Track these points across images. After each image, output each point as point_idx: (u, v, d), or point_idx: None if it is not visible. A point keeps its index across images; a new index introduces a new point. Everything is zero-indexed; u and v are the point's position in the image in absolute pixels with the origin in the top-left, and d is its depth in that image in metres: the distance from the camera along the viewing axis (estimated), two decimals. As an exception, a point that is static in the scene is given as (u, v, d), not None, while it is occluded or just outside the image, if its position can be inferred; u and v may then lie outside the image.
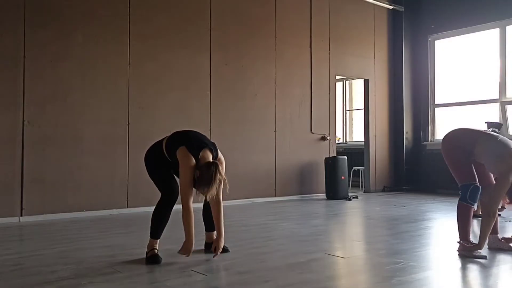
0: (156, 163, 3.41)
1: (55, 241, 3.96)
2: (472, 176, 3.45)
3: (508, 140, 3.47)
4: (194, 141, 3.29)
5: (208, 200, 3.26)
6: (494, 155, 3.34)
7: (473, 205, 3.46)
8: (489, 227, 3.36)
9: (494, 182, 3.56)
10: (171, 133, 3.46)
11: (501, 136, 3.52)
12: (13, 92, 5.03)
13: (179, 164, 3.23)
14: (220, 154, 3.38)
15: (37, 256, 3.43)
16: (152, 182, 3.46)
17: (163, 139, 3.43)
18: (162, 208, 3.35)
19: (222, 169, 3.26)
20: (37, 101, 5.16)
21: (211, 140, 3.58)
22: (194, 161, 3.19)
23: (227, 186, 3.24)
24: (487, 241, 3.67)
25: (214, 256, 3.35)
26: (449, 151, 3.57)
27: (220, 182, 3.17)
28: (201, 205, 3.58)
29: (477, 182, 3.45)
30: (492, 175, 3.60)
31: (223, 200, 3.39)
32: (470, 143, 3.47)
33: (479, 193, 3.45)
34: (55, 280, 2.81)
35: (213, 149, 3.33)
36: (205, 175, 3.11)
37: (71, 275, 2.91)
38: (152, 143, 3.51)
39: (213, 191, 3.15)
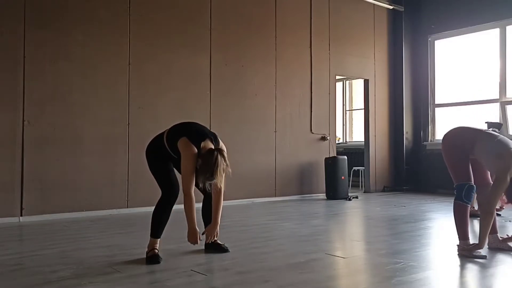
0: (157, 156, 3.41)
1: (55, 241, 3.96)
2: (468, 176, 3.46)
3: (508, 139, 3.47)
4: (195, 132, 3.31)
5: (209, 190, 3.28)
6: (493, 153, 3.35)
7: (469, 204, 3.46)
8: (488, 226, 3.36)
9: (491, 181, 3.57)
10: (172, 125, 3.46)
11: (501, 135, 3.52)
12: (13, 92, 5.03)
13: (180, 155, 3.23)
14: (221, 143, 3.37)
15: (37, 256, 3.43)
16: (152, 181, 3.46)
17: (164, 132, 3.44)
18: (162, 207, 3.35)
19: (225, 156, 3.22)
20: (37, 101, 5.16)
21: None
22: (195, 150, 3.19)
23: (230, 170, 3.22)
24: (487, 241, 3.67)
25: (207, 241, 3.50)
26: (448, 150, 3.58)
27: (223, 169, 3.14)
28: (200, 205, 3.59)
29: (472, 182, 3.45)
30: (489, 174, 3.61)
31: (225, 199, 3.41)
32: (469, 141, 3.48)
33: (474, 192, 3.46)
34: (55, 280, 2.81)
35: (214, 138, 3.33)
36: (208, 162, 3.10)
37: (71, 275, 2.91)
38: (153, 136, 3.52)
39: (217, 178, 3.13)
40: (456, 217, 3.51)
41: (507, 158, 3.28)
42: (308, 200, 7.14)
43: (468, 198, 3.44)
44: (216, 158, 3.10)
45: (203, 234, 3.45)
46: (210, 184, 3.23)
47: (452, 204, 3.52)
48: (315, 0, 7.60)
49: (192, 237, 3.26)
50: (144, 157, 3.49)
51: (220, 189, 3.34)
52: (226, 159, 3.19)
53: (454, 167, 3.52)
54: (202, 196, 3.59)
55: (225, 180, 3.29)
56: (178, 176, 3.39)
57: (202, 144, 3.22)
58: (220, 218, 3.55)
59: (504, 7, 7.47)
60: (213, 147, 3.24)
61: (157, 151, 3.42)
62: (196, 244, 3.31)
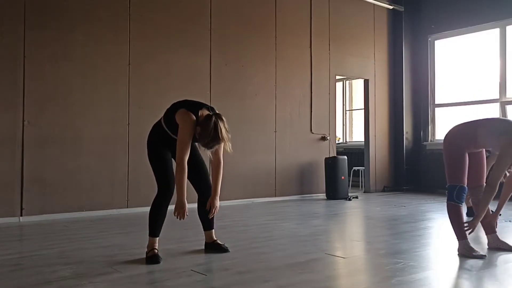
0: (157, 143, 3.39)
1: (55, 241, 3.96)
2: (460, 178, 3.45)
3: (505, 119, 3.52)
4: (191, 103, 3.32)
5: (210, 157, 3.27)
6: (498, 130, 3.37)
7: (461, 204, 3.47)
8: (489, 199, 3.36)
9: (485, 183, 3.57)
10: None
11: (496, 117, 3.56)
12: (13, 92, 5.03)
13: (178, 127, 3.20)
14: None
15: (37, 256, 3.43)
16: (152, 181, 3.45)
17: (161, 117, 3.44)
18: (158, 205, 3.34)
19: (224, 121, 3.19)
20: (37, 101, 5.16)
21: None
22: (194, 117, 3.18)
23: (229, 144, 3.18)
24: (487, 241, 3.68)
25: (209, 215, 3.45)
26: (447, 150, 3.57)
27: (225, 133, 3.12)
28: (196, 205, 3.58)
29: (465, 184, 3.45)
30: (484, 175, 3.61)
31: (226, 199, 3.39)
32: (470, 135, 3.48)
33: (465, 193, 3.47)
34: (55, 280, 2.81)
35: (211, 109, 3.32)
36: (207, 128, 3.09)
37: (71, 275, 2.91)
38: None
39: (222, 143, 3.13)
40: (451, 218, 3.52)
41: (509, 133, 3.30)
42: (308, 200, 7.14)
43: (459, 199, 3.45)
44: (216, 123, 3.10)
45: (206, 208, 3.43)
46: (211, 152, 3.24)
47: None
48: (315, 0, 7.60)
49: (180, 209, 3.14)
50: (144, 156, 3.49)
51: (219, 160, 3.37)
52: (225, 123, 3.17)
53: (449, 166, 3.51)
54: (198, 196, 3.60)
55: (224, 150, 3.27)
56: None
57: (200, 112, 3.22)
58: (220, 218, 3.55)
59: (504, 7, 7.47)
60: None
61: (156, 138, 3.41)
62: (182, 219, 3.18)
